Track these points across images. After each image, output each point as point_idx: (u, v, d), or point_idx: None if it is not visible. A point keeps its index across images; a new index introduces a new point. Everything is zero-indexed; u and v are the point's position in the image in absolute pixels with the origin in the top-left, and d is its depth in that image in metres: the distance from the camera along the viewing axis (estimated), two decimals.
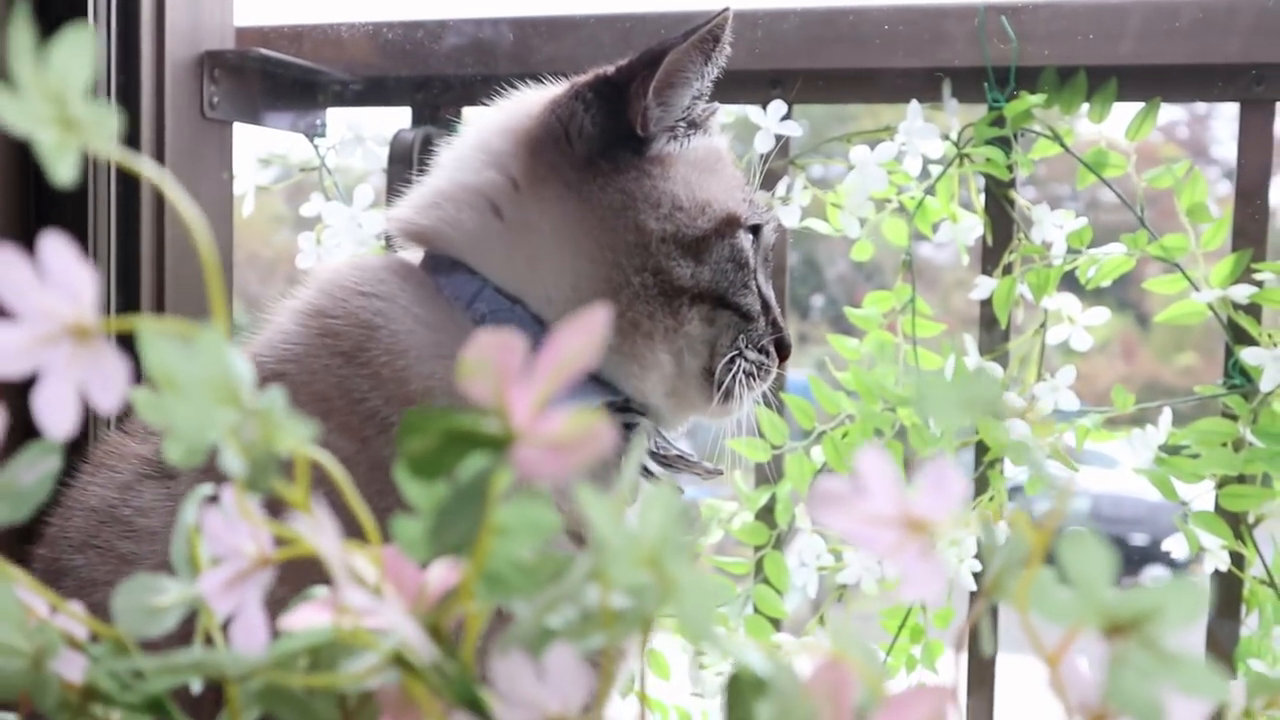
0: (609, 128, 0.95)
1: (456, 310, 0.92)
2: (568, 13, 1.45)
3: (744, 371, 0.96)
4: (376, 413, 0.85)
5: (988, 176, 1.36)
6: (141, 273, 1.30)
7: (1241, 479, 1.27)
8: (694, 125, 1.00)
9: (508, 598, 0.47)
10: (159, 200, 1.31)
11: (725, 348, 0.96)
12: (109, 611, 0.71)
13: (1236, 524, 1.30)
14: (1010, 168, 1.33)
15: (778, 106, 1.34)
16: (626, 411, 0.96)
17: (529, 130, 0.96)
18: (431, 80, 1.50)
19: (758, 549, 1.43)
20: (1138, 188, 1.32)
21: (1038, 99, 1.30)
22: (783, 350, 1.01)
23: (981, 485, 1.38)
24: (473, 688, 0.47)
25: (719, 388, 0.96)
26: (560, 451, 0.44)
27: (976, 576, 1.35)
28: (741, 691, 0.47)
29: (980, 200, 1.39)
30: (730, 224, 0.97)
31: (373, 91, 1.54)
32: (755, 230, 1.00)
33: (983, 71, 1.34)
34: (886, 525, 0.45)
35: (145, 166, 0.46)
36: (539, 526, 0.47)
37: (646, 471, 0.96)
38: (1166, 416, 1.30)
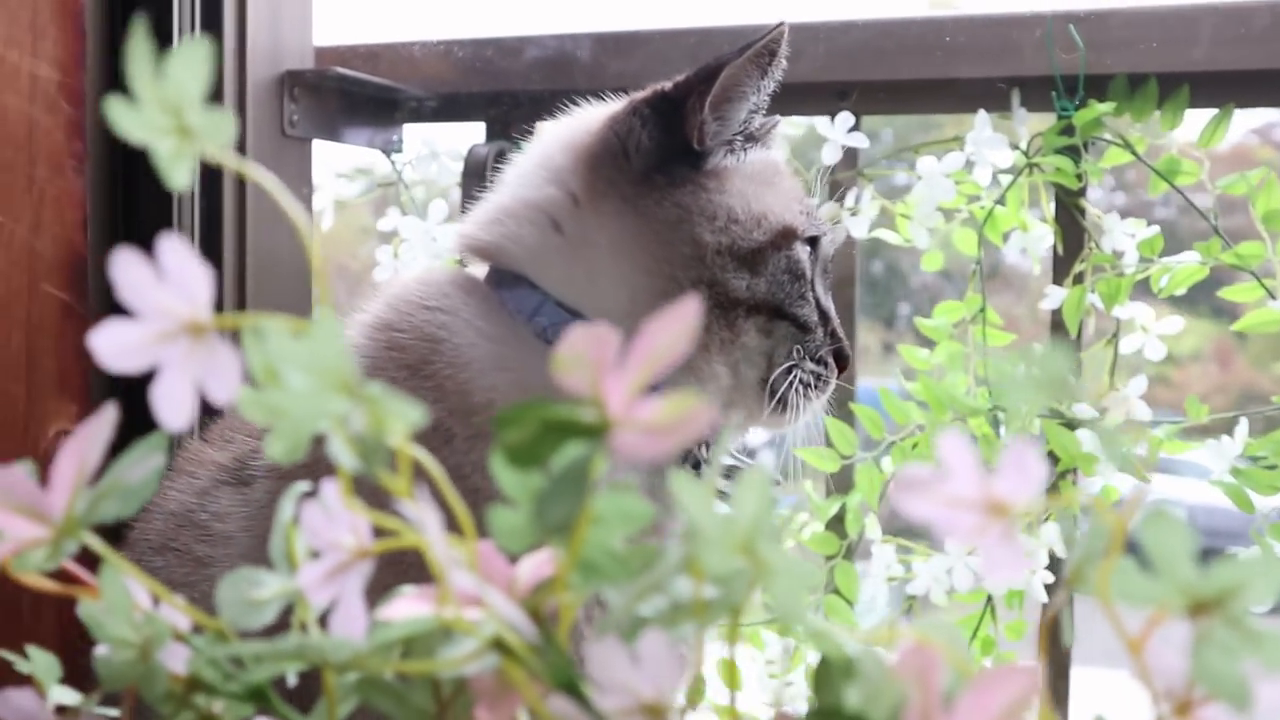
0: (666, 143, 0.97)
1: (519, 323, 0.94)
2: (635, 28, 1.47)
3: (801, 382, 0.97)
4: (441, 424, 0.87)
5: (1058, 186, 1.36)
6: (224, 280, 1.35)
7: None
8: (751, 139, 1.01)
9: (602, 585, 0.48)
10: (241, 210, 1.36)
11: (782, 358, 0.97)
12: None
13: None
14: (1080, 176, 1.32)
15: (845, 118, 1.35)
16: None
17: (588, 146, 0.98)
18: (503, 96, 1.53)
19: (828, 559, 1.44)
20: (1212, 195, 1.30)
21: (1106, 107, 1.29)
22: (841, 361, 1.02)
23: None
24: (571, 672, 0.48)
25: (776, 398, 0.97)
26: (658, 435, 0.46)
27: (1048, 589, 1.34)
28: (830, 675, 0.48)
29: (1050, 209, 1.38)
30: (786, 236, 0.98)
31: (448, 108, 1.57)
32: (813, 242, 1.01)
33: (1051, 80, 1.33)
34: (968, 509, 0.46)
35: (256, 173, 0.49)
36: (632, 515, 0.48)
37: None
38: (1243, 427, 1.28)
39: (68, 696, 0.59)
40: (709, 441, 0.98)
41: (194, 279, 0.46)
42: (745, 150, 1.00)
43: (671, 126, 0.97)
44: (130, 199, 1.30)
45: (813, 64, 1.40)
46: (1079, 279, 1.35)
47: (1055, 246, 1.38)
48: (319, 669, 0.53)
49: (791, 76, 1.42)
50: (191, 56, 0.47)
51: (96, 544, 0.53)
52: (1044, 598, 1.34)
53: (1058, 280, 1.37)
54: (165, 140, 0.47)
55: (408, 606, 0.51)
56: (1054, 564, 1.34)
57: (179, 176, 0.47)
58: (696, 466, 0.97)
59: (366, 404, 0.46)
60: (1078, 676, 1.43)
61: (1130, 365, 1.37)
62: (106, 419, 0.53)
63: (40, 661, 0.60)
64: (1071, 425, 1.33)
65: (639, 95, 1.00)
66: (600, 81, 1.40)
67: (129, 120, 0.46)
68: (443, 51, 1.54)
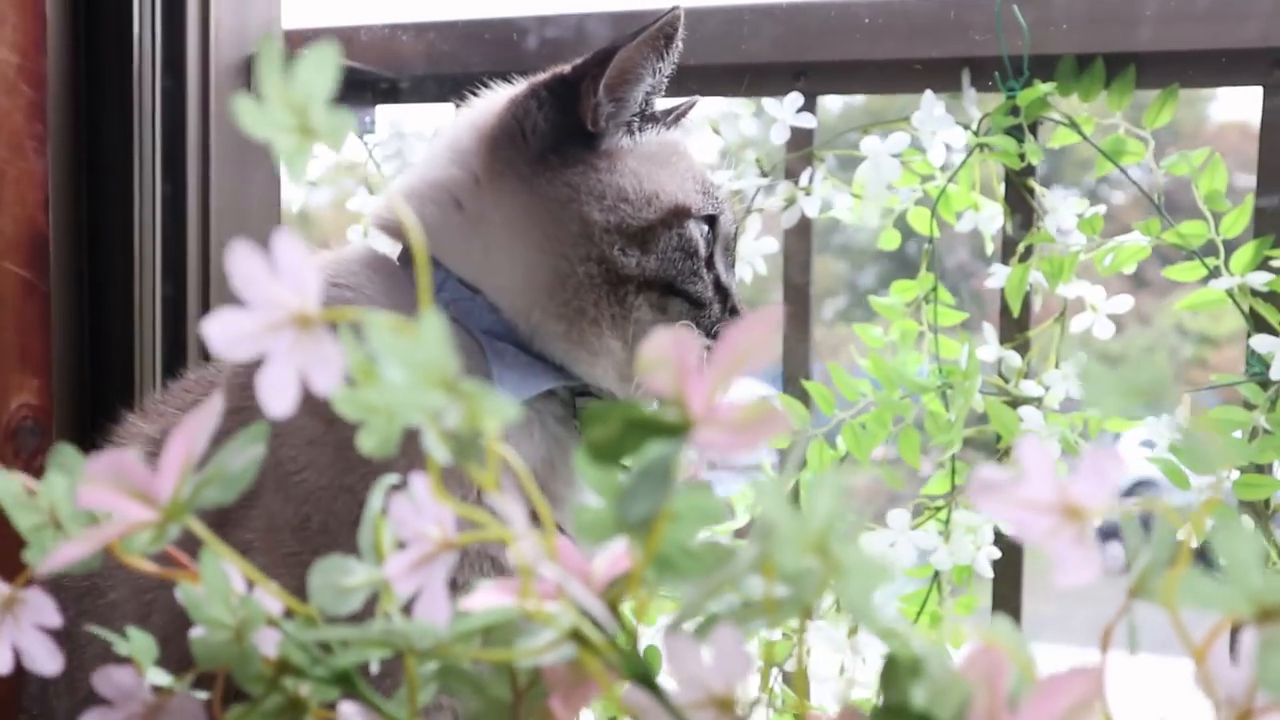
0: (561, 124, 0.99)
1: None
2: (600, 9, 1.49)
3: None
4: None
5: (1007, 166, 1.37)
6: (188, 261, 1.38)
7: (1260, 469, 1.27)
8: (650, 120, 1.03)
9: (677, 580, 0.50)
10: (205, 199, 1.39)
11: None
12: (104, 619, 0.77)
13: (1258, 515, 1.29)
14: (1022, 156, 1.33)
15: (794, 98, 1.36)
16: (585, 395, 1.00)
17: (490, 127, 1.01)
18: (473, 77, 1.55)
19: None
20: (1157, 175, 1.31)
21: (1048, 87, 1.31)
22: None
23: None
24: (645, 664, 0.50)
25: None
26: (739, 435, 0.47)
27: (994, 564, 1.36)
28: (897, 674, 0.49)
29: (1001, 189, 1.40)
30: (679, 214, 1.00)
31: (419, 89, 1.60)
32: (711, 220, 1.03)
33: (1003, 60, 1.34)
34: (1043, 511, 0.47)
35: (407, 218, 0.51)
36: (708, 513, 0.50)
37: None
38: (1185, 405, 1.30)
39: (162, 677, 0.62)
40: None
41: (304, 273, 0.48)
42: (642, 131, 1.03)
43: (568, 108, 0.99)
44: (93, 179, 1.34)
45: (768, 44, 1.42)
46: (1024, 257, 1.36)
47: (1005, 226, 1.39)
48: (400, 657, 0.55)
49: (748, 57, 1.44)
50: (322, 60, 0.50)
51: (199, 529, 0.56)
52: (989, 573, 1.36)
53: (1005, 259, 1.38)
54: (287, 137, 0.49)
55: (489, 598, 0.54)
56: (999, 539, 1.36)
57: (299, 172, 0.50)
58: None
59: (464, 399, 0.48)
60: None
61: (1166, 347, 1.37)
62: (213, 409, 0.55)
63: (139, 642, 0.63)
64: (1014, 402, 1.35)
65: (538, 78, 1.02)
66: (560, 61, 1.42)
67: (253, 117, 0.49)
68: (413, 34, 1.56)
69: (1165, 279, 1.35)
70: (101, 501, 0.55)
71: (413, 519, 0.55)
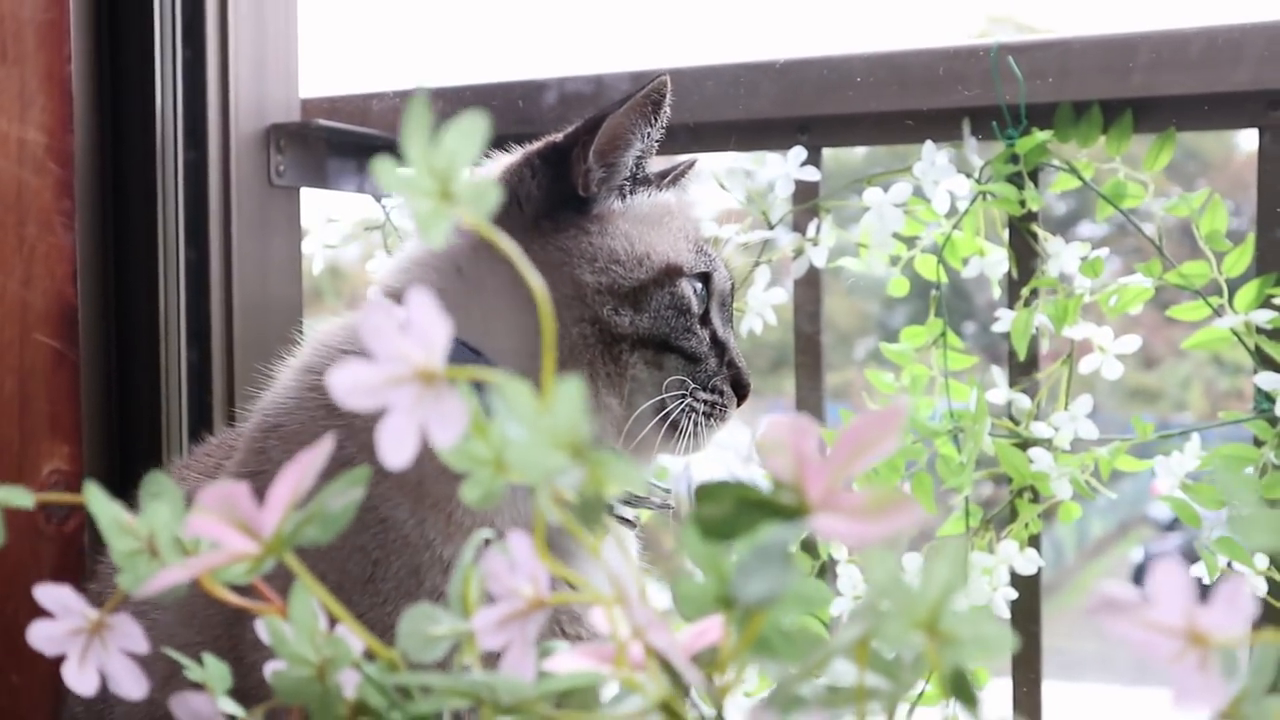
0: (555, 190, 1.03)
1: None
2: (602, 72, 1.53)
3: (693, 410, 1.02)
4: (350, 459, 0.93)
5: (1009, 212, 1.39)
6: (212, 326, 1.42)
7: (1272, 504, 1.28)
8: (642, 182, 1.07)
9: (773, 661, 0.51)
10: (227, 261, 1.43)
11: (673, 388, 1.02)
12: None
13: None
14: (1023, 202, 1.36)
15: (797, 152, 1.39)
16: None
17: None
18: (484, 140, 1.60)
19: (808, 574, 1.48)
20: (1156, 217, 1.33)
21: (1045, 135, 1.33)
22: (740, 390, 1.07)
23: (1013, 513, 1.40)
24: None
25: (670, 426, 1.02)
26: (863, 523, 0.48)
27: (1012, 604, 1.37)
28: None
29: (1005, 234, 1.42)
30: (671, 273, 1.03)
31: None
32: (705, 278, 1.06)
33: (999, 110, 1.37)
34: (1171, 635, 0.47)
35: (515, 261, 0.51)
36: (809, 600, 0.51)
37: (608, 508, 1.02)
38: (1194, 443, 1.31)
39: (233, 707, 0.64)
40: None
41: (434, 331, 0.51)
42: (633, 194, 1.06)
43: (561, 175, 1.03)
44: (119, 250, 1.38)
45: (769, 101, 1.46)
46: (1029, 301, 1.38)
47: (1010, 270, 1.41)
48: (475, 710, 0.57)
49: (751, 113, 1.48)
50: (469, 130, 0.52)
51: (294, 564, 0.58)
52: (1006, 614, 1.37)
53: (1012, 304, 1.41)
54: (426, 202, 0.52)
55: (575, 660, 0.55)
56: (1014, 580, 1.37)
57: (435, 236, 0.52)
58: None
59: (590, 464, 0.50)
60: (1050, 690, 1.46)
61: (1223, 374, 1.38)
62: (322, 450, 0.57)
63: (213, 669, 0.66)
64: (1024, 444, 1.37)
65: (532, 147, 1.06)
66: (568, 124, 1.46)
67: (395, 181, 0.51)
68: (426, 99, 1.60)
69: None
70: (209, 530, 0.57)
71: (506, 575, 0.56)
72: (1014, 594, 1.38)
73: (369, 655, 0.60)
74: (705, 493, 0.50)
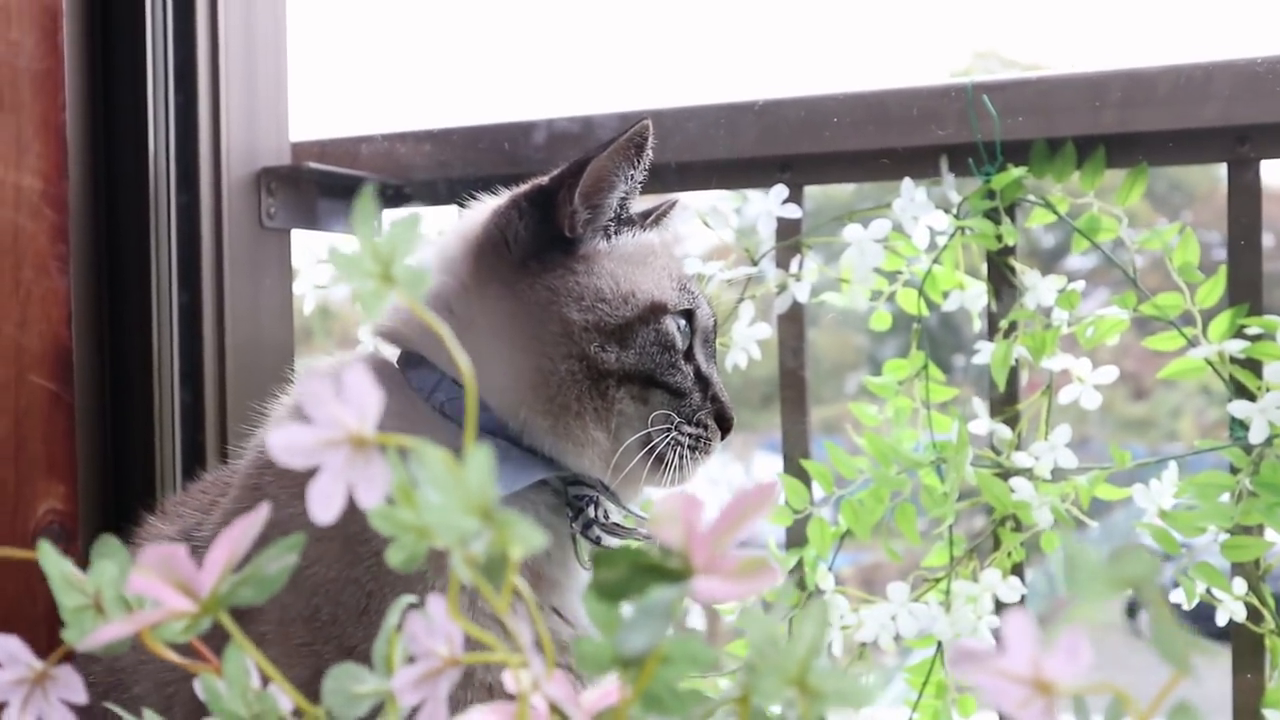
0: (541, 232, 1.06)
1: (419, 400, 1.03)
2: (589, 113, 1.56)
3: (678, 443, 1.05)
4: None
5: (987, 247, 1.42)
6: (204, 368, 1.44)
7: (1247, 530, 1.30)
8: (626, 223, 1.09)
9: (663, 717, 0.54)
10: (219, 303, 1.46)
11: (659, 423, 1.05)
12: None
13: (1249, 576, 1.32)
14: (999, 237, 1.39)
15: (779, 190, 1.42)
16: (576, 484, 1.05)
17: (476, 237, 1.07)
18: (469, 182, 1.62)
19: (790, 609, 1.50)
20: (1131, 250, 1.36)
21: (1019, 171, 1.36)
22: (724, 423, 1.09)
23: (996, 542, 1.42)
24: None
25: (656, 460, 1.04)
26: (734, 584, 0.53)
27: (995, 633, 1.39)
28: None
29: (984, 268, 1.45)
30: (655, 311, 1.06)
31: (422, 193, 1.67)
32: (688, 315, 1.09)
33: (975, 147, 1.40)
34: (1019, 683, 0.51)
35: None
36: (697, 660, 0.54)
37: (596, 540, 1.05)
38: (1172, 471, 1.33)
39: None
40: (598, 501, 1.05)
41: (367, 400, 0.54)
42: (618, 234, 1.09)
43: (547, 217, 1.06)
44: (113, 293, 1.41)
45: (750, 140, 1.49)
46: (1008, 333, 1.41)
47: (989, 304, 1.44)
48: None
49: (733, 152, 1.51)
50: (409, 226, 0.56)
51: (229, 624, 0.61)
52: (992, 641, 1.39)
53: (991, 336, 1.43)
54: (369, 283, 0.56)
55: (483, 717, 0.58)
56: (999, 608, 1.39)
57: (375, 313, 0.57)
58: (588, 526, 1.04)
59: (496, 526, 0.53)
60: None
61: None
62: (259, 517, 0.61)
63: None
64: (1006, 474, 1.39)
65: (519, 189, 1.09)
66: (554, 164, 1.49)
67: (343, 264, 0.56)
68: (411, 143, 1.64)
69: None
70: (148, 588, 0.60)
71: (425, 636, 0.59)
72: (998, 622, 1.40)
73: (298, 714, 0.63)
74: (602, 559, 0.54)
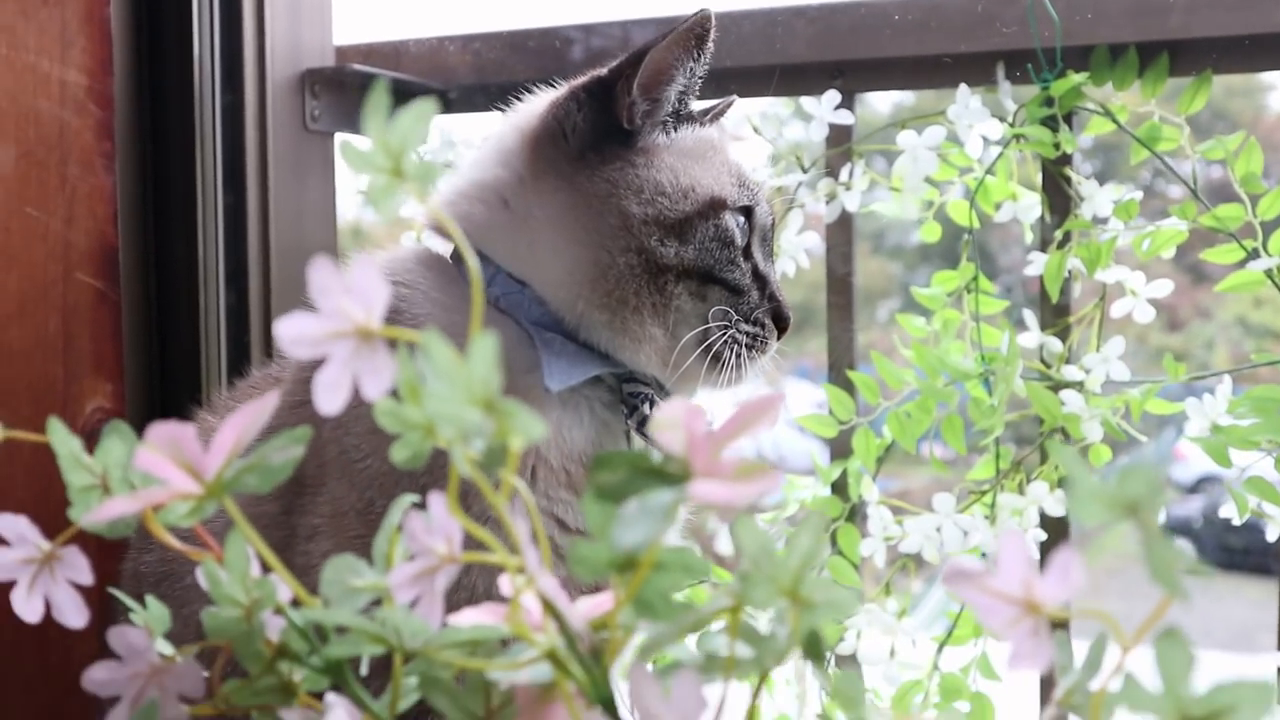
0: (600, 124, 1.04)
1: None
2: (640, 16, 1.53)
3: (735, 341, 1.03)
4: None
5: (1043, 155, 1.39)
6: (249, 270, 1.44)
7: None
8: (685, 119, 1.07)
9: (653, 622, 0.55)
10: (264, 205, 1.45)
11: (716, 319, 1.03)
12: (179, 601, 0.82)
13: None
14: (1057, 145, 1.36)
15: (831, 96, 1.40)
16: (631, 381, 1.04)
17: (533, 129, 1.05)
18: (517, 86, 1.60)
19: (832, 521, 1.49)
20: (1192, 159, 1.33)
21: (1081, 78, 1.33)
22: (780, 322, 1.07)
23: (1043, 456, 1.41)
24: (611, 691, 0.55)
25: (713, 358, 1.03)
26: (733, 487, 0.53)
27: (1040, 546, 1.38)
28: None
29: (1039, 179, 1.42)
30: (715, 206, 1.04)
31: (466, 99, 1.65)
32: (747, 212, 1.07)
33: (1036, 53, 1.37)
34: (1010, 603, 0.52)
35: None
36: (691, 568, 0.55)
37: (648, 437, 1.04)
38: (1226, 385, 1.31)
39: (167, 648, 0.67)
40: (653, 399, 1.04)
41: (374, 294, 0.54)
42: (677, 129, 1.07)
43: (606, 108, 1.04)
44: (158, 192, 1.40)
45: (804, 44, 1.46)
46: (1062, 245, 1.38)
47: (1044, 214, 1.41)
48: (388, 667, 0.60)
49: (785, 57, 1.48)
50: (420, 113, 0.56)
51: (233, 509, 0.61)
52: (1036, 555, 1.38)
53: (1045, 247, 1.41)
54: (380, 177, 0.56)
55: (477, 616, 0.60)
56: (1044, 522, 1.38)
57: (386, 210, 0.56)
58: (643, 424, 1.03)
59: (498, 416, 0.53)
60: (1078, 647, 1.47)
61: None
62: (268, 403, 0.61)
63: (154, 611, 0.69)
64: (1056, 387, 1.37)
65: (577, 80, 1.07)
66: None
67: (355, 158, 0.56)
68: (460, 45, 1.61)
69: (1225, 275, 1.36)
70: (154, 467, 0.60)
71: (423, 534, 0.60)
72: (1043, 536, 1.39)
73: (297, 604, 0.63)
74: (601, 461, 0.54)
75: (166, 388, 1.41)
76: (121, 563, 1.12)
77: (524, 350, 1.00)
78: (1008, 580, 0.52)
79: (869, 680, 1.40)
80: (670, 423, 0.54)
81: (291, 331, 0.53)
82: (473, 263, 0.54)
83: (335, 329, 0.54)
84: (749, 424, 0.55)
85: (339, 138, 1.58)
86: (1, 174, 1.23)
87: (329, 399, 0.53)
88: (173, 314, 1.42)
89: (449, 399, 0.53)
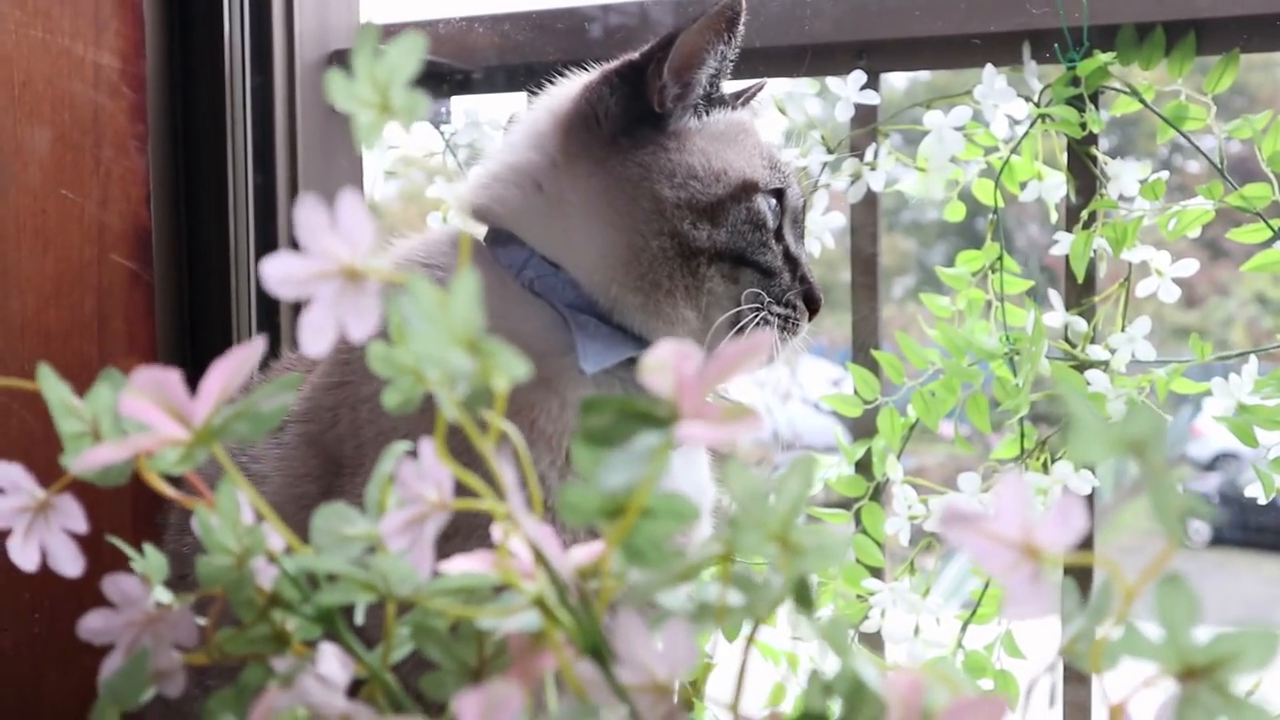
0: (632, 108, 1.05)
1: (508, 277, 1.03)
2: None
3: (767, 323, 1.04)
4: None
5: (1069, 135, 1.39)
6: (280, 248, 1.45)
7: None
8: (717, 101, 1.08)
9: (641, 568, 0.55)
10: (293, 189, 1.46)
11: (748, 301, 1.05)
12: None
13: None
14: (1084, 125, 1.36)
15: (857, 76, 1.40)
16: None
17: (566, 113, 1.06)
18: (545, 67, 1.61)
19: (856, 500, 1.50)
20: (1218, 138, 1.33)
21: (1108, 57, 1.33)
22: (812, 304, 1.09)
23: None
24: (600, 639, 0.55)
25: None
26: (718, 429, 0.53)
27: (1088, 497, 1.39)
28: (819, 686, 0.53)
29: (1064, 158, 1.42)
30: (747, 189, 1.05)
31: (492, 80, 1.65)
32: (779, 194, 1.08)
33: (1060, 33, 1.37)
34: (1009, 547, 0.50)
35: None
36: (681, 515, 0.54)
37: None
38: (1252, 365, 1.32)
39: (165, 596, 0.67)
40: None
41: (361, 232, 0.53)
42: (709, 112, 1.08)
43: (638, 92, 1.05)
44: (190, 173, 1.41)
45: (830, 24, 1.46)
46: (1087, 224, 1.38)
47: (1069, 194, 1.42)
48: (381, 618, 0.61)
49: (810, 37, 1.48)
50: (410, 45, 0.54)
51: (223, 456, 0.60)
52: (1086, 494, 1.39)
53: (1069, 227, 1.41)
54: (367, 112, 0.54)
55: (467, 564, 0.59)
56: None
57: (371, 143, 0.55)
58: None
59: (481, 356, 0.53)
60: None
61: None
62: (256, 348, 0.60)
63: (152, 559, 0.69)
64: (1081, 366, 1.38)
65: (610, 65, 1.08)
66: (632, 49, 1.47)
67: (341, 91, 0.54)
68: (488, 26, 1.62)
69: (1245, 251, 1.36)
70: (140, 412, 0.59)
71: (414, 481, 0.59)
72: (1097, 480, 1.39)
73: (290, 552, 0.62)
74: (590, 405, 0.53)
75: (198, 368, 1.42)
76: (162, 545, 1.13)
77: (558, 333, 1.02)
78: (1006, 523, 0.50)
79: (892, 658, 1.42)
80: (659, 365, 0.53)
81: (277, 272, 0.52)
82: (459, 205, 0.54)
83: (321, 269, 0.52)
84: (737, 365, 0.54)
85: None
86: (38, 157, 1.24)
87: (314, 341, 0.52)
88: (204, 294, 1.43)
89: (433, 339, 0.52)
